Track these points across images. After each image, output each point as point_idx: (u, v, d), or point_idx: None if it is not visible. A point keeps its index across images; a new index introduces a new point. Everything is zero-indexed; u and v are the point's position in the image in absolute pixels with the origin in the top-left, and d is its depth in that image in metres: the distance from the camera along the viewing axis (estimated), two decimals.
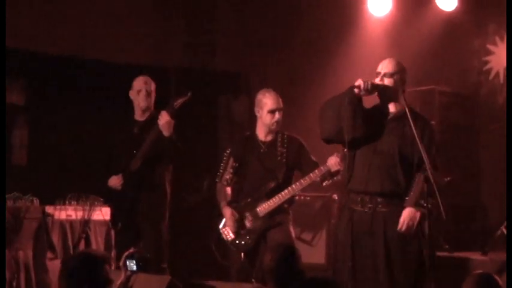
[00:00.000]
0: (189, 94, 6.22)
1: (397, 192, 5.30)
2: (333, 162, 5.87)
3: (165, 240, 6.37)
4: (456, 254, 7.10)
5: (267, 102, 6.13)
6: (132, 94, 6.55)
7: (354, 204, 5.37)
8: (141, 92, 6.46)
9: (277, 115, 6.12)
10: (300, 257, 4.72)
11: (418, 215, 5.22)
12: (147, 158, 6.30)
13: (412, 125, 5.11)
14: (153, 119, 6.38)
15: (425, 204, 5.01)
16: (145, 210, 6.35)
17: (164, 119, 6.14)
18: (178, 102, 6.23)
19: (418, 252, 5.24)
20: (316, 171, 5.98)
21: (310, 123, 6.14)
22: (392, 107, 5.44)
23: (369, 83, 5.25)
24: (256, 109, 6.22)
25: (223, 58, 9.22)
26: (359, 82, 5.24)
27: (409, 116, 5.13)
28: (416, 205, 5.20)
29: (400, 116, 5.33)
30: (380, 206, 5.29)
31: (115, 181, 6.44)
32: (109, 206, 6.69)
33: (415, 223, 5.23)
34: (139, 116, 6.55)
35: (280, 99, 6.19)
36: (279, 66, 8.99)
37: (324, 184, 6.12)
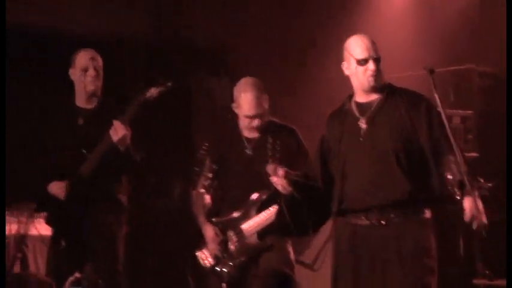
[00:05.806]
0: (168, 84, 5.46)
1: (406, 199, 4.51)
2: (279, 183, 4.81)
3: (122, 263, 5.65)
4: (499, 282, 6.58)
5: (243, 106, 5.44)
6: (73, 73, 5.67)
7: (355, 218, 4.63)
8: (87, 71, 5.62)
9: (256, 122, 5.44)
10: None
11: (480, 202, 4.33)
12: (99, 164, 5.54)
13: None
14: (103, 108, 5.62)
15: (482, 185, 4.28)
16: (96, 225, 5.58)
17: (119, 133, 5.37)
18: (153, 92, 5.43)
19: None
20: None
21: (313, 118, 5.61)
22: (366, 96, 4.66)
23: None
24: (233, 104, 5.52)
25: (199, 28, 8.13)
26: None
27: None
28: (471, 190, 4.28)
29: (386, 101, 4.63)
30: (392, 215, 4.54)
31: (58, 188, 5.56)
32: (46, 219, 5.86)
33: (481, 215, 4.34)
34: (83, 103, 5.69)
35: (265, 98, 5.45)
36: (272, 41, 8.12)
37: None
